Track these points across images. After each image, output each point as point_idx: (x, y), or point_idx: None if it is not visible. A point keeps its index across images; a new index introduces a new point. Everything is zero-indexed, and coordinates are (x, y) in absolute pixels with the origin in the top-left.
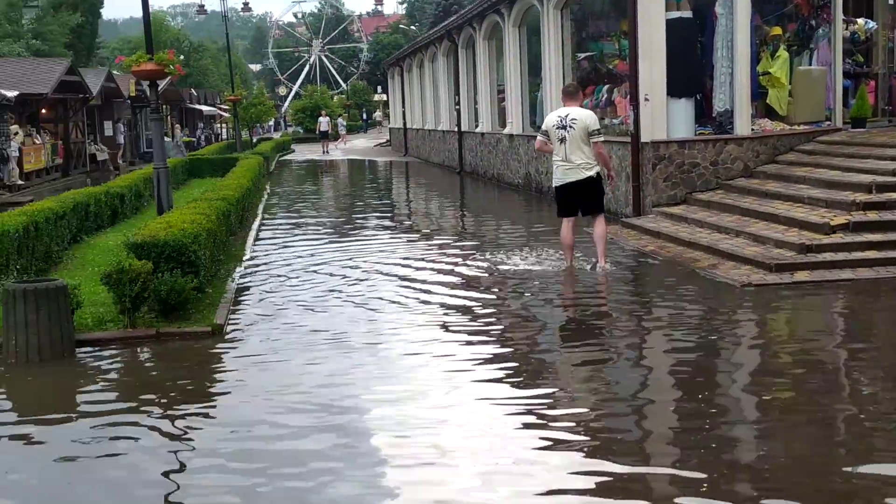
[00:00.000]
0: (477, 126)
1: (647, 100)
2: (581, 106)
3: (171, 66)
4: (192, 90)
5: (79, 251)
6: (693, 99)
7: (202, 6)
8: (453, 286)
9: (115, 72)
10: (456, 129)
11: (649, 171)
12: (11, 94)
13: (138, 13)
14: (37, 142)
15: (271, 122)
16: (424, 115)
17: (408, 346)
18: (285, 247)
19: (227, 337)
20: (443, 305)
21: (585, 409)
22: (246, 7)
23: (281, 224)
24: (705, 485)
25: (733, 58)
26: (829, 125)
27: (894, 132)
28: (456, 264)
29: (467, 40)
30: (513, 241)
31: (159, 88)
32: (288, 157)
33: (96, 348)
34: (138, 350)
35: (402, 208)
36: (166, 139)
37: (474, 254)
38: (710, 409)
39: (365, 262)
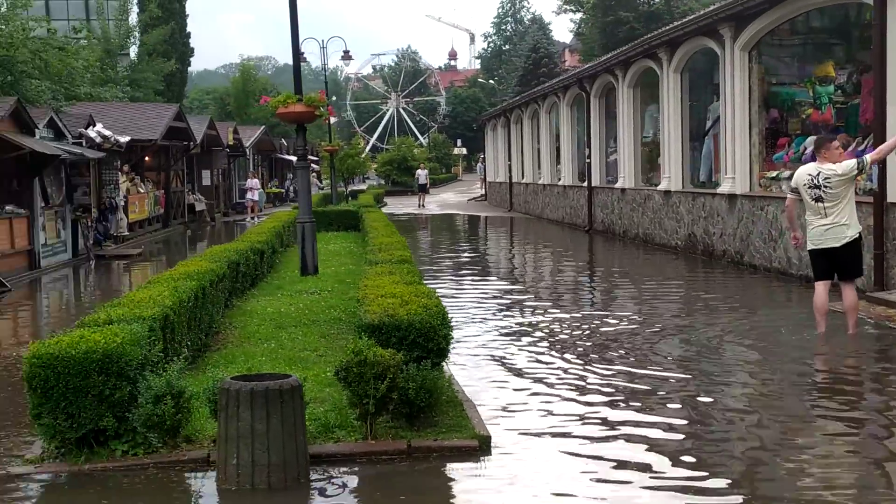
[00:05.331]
0: (615, 181)
1: None
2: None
3: (322, 108)
4: (283, 140)
5: (235, 319)
6: None
7: (301, 53)
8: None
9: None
10: (584, 184)
11: None
12: (124, 139)
13: (211, 65)
14: (140, 190)
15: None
16: (538, 169)
17: None
18: (467, 312)
19: (498, 454)
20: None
21: None
22: (347, 55)
23: (439, 286)
24: None
25: None
26: None
27: None
28: (702, 349)
29: (602, 88)
30: (727, 316)
31: (253, 137)
32: (384, 210)
33: (332, 468)
34: (388, 474)
35: (569, 271)
36: (258, 188)
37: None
38: None
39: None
